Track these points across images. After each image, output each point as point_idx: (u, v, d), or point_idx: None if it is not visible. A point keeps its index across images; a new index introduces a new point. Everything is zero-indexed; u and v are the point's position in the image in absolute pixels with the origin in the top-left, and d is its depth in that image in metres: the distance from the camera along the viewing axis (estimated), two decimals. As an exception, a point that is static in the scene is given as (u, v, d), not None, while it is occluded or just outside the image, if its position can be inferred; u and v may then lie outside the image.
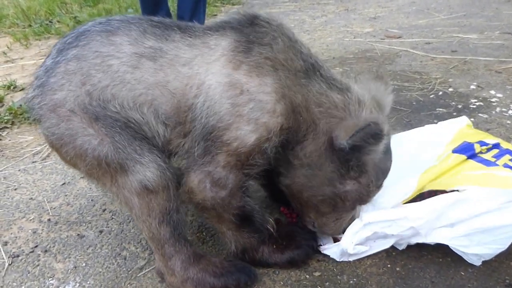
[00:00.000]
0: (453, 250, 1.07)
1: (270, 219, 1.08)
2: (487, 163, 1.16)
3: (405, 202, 1.14)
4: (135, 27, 0.98)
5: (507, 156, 1.18)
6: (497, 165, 1.15)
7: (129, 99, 0.95)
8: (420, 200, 1.13)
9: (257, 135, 0.93)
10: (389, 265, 1.10)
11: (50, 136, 0.97)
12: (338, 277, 1.08)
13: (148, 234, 1.02)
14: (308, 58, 1.01)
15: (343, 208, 1.07)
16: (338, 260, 1.12)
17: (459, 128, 1.34)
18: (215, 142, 0.95)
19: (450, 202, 1.04)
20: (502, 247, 1.03)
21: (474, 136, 1.29)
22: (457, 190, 1.09)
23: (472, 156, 1.19)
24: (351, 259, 1.12)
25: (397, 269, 1.09)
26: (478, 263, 1.07)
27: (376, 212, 1.08)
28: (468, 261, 1.07)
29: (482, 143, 1.23)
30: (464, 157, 1.17)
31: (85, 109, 0.93)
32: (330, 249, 1.14)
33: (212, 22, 1.05)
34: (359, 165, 0.99)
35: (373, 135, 0.91)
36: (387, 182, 1.09)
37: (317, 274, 1.09)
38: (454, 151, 1.21)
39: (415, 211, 1.06)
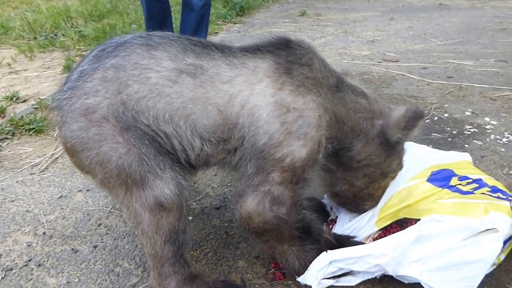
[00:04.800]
0: (424, 286, 1.03)
1: (323, 227, 1.18)
2: (462, 192, 1.14)
3: (379, 225, 1.17)
4: (175, 44, 1.01)
5: (486, 188, 1.17)
6: (474, 193, 1.14)
7: (165, 111, 0.96)
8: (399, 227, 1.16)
9: (308, 149, 0.99)
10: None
11: (73, 139, 0.96)
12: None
13: (151, 251, 1.02)
14: (335, 73, 1.12)
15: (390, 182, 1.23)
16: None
17: (454, 160, 1.32)
18: (268, 159, 0.98)
19: (412, 238, 1.03)
20: (472, 285, 0.98)
21: (463, 170, 1.27)
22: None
23: (446, 186, 1.18)
24: None
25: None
26: None
27: (342, 250, 1.08)
28: None
29: (463, 178, 1.22)
30: (438, 189, 1.17)
31: (118, 118, 0.94)
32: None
33: (247, 45, 1.10)
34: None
35: (420, 117, 1.09)
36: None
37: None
38: (429, 180, 1.21)
39: (379, 248, 1.05)
